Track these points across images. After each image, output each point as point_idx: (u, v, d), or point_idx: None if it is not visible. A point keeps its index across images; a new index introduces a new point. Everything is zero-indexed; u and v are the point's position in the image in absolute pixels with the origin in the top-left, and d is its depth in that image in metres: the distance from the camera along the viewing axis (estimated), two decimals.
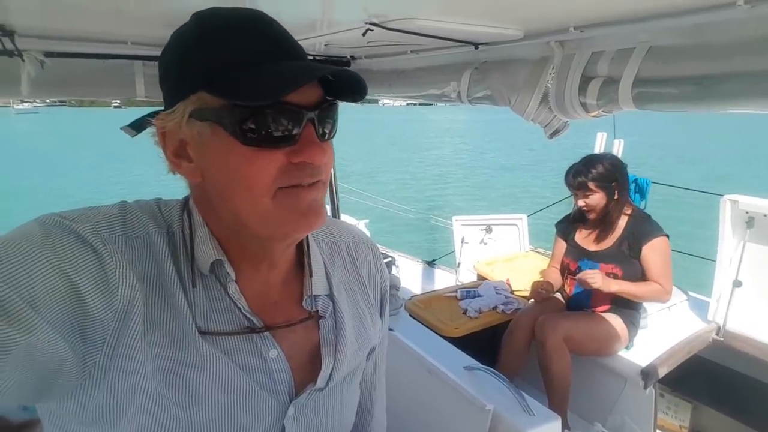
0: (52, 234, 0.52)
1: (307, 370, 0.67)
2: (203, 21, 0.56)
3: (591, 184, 2.29)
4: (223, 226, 0.61)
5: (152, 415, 0.55)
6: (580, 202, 2.35)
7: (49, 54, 1.52)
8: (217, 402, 0.59)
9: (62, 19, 1.33)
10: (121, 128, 0.64)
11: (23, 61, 1.46)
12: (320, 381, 0.67)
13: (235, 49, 0.54)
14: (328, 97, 0.58)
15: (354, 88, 0.58)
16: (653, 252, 2.23)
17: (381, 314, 0.82)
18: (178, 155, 0.58)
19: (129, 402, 0.54)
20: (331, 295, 0.71)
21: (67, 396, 0.53)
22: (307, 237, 0.71)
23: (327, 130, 0.58)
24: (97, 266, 0.53)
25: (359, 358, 0.76)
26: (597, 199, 2.30)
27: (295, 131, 0.54)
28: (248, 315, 0.62)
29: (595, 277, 2.19)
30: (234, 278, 0.62)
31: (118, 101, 2.26)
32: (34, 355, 0.46)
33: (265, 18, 0.57)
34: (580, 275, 2.27)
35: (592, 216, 2.35)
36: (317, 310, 0.69)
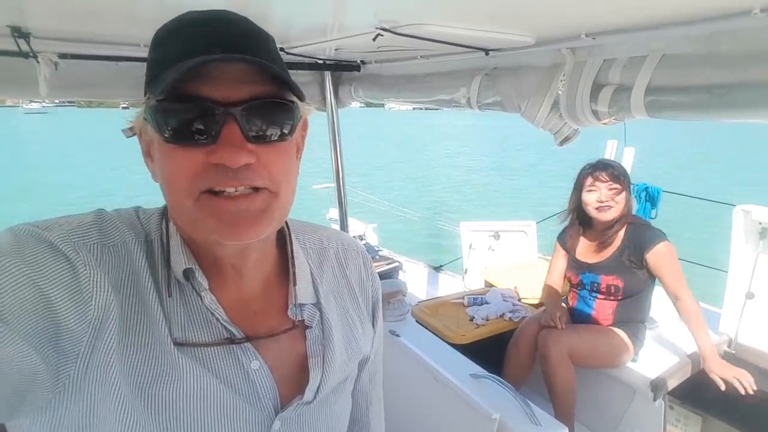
0: (23, 243, 0.50)
1: (293, 382, 0.64)
2: (164, 24, 0.55)
3: (623, 178, 2.18)
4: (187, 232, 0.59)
5: (127, 431, 0.53)
6: (604, 195, 2.16)
7: (63, 56, 1.54)
8: (196, 416, 0.56)
9: (77, 21, 1.35)
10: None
11: (38, 62, 1.48)
12: (308, 394, 0.64)
13: (172, 47, 0.52)
14: (285, 97, 0.54)
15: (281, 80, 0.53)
16: (662, 262, 2.13)
17: (373, 324, 0.79)
18: (147, 154, 0.58)
19: (104, 417, 0.52)
20: (318, 304, 0.68)
21: (40, 411, 0.51)
22: (292, 243, 0.68)
23: (259, 131, 0.53)
24: (70, 276, 0.51)
25: (349, 368, 0.73)
26: (624, 196, 2.18)
27: (212, 128, 0.51)
28: (226, 325, 0.59)
29: (727, 378, 2.03)
30: (207, 287, 0.59)
31: (127, 103, 2.28)
32: (2, 368, 0.45)
33: (222, 17, 0.54)
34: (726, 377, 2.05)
35: (607, 216, 2.19)
36: (303, 320, 0.66)
